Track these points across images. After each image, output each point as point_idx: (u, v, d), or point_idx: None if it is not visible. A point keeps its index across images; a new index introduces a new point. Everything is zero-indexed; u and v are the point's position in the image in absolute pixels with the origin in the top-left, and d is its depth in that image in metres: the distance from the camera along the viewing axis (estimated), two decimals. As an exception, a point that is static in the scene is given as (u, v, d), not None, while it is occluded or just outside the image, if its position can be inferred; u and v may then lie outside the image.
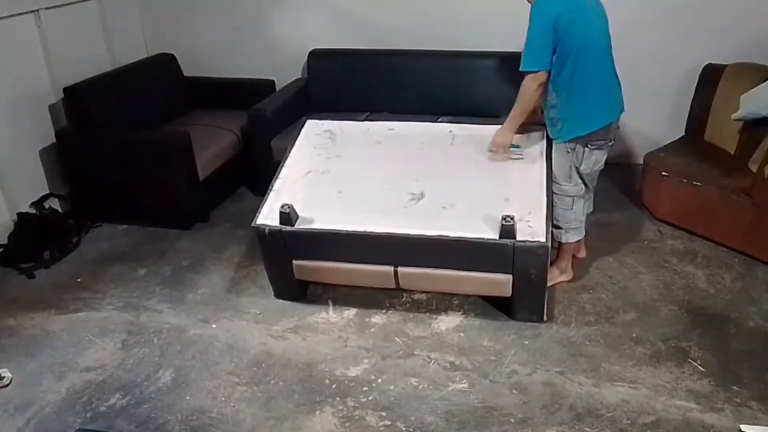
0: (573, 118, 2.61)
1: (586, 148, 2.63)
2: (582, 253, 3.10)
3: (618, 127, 2.77)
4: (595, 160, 2.67)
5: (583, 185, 2.74)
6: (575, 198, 2.75)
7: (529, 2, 2.57)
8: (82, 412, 2.27)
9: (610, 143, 2.70)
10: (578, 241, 2.91)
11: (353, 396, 2.30)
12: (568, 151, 2.65)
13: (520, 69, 2.57)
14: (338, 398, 2.29)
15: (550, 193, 2.65)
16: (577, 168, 2.68)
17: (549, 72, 2.55)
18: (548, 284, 2.64)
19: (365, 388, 2.34)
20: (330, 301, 2.85)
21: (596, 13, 2.59)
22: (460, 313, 2.75)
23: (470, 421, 2.17)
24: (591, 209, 3.02)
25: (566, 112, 2.62)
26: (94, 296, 2.97)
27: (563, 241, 2.84)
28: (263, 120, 3.71)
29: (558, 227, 2.80)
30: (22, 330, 2.74)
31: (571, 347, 2.52)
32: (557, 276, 2.91)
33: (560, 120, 2.65)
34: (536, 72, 2.53)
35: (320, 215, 2.63)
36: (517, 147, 2.85)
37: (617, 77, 2.68)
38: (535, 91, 2.59)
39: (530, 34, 2.52)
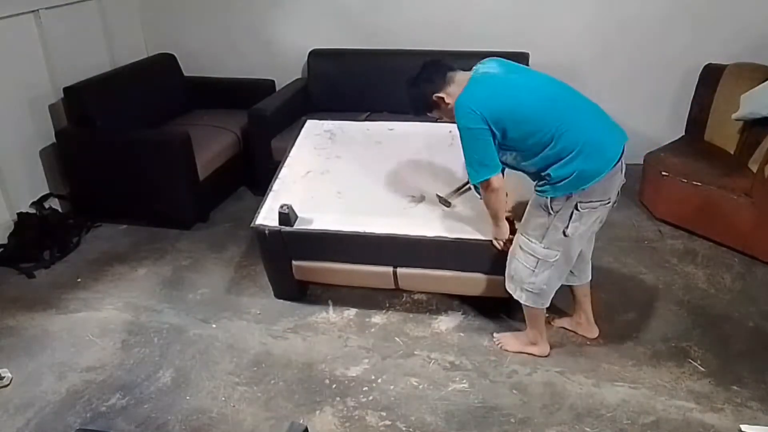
0: (555, 177, 2.03)
1: (574, 210, 2.04)
2: (565, 323, 2.56)
3: (624, 179, 2.15)
4: (585, 221, 2.08)
5: (559, 253, 2.13)
6: (541, 262, 2.15)
7: (442, 109, 2.20)
8: (82, 412, 2.27)
9: (609, 203, 2.10)
10: (542, 307, 2.29)
11: (353, 396, 2.30)
12: (550, 213, 2.08)
13: (474, 182, 2.17)
14: (338, 398, 2.29)
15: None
16: (562, 230, 2.08)
17: (503, 169, 2.13)
18: (514, 351, 2.44)
19: (365, 388, 2.34)
20: (330, 301, 2.85)
21: (538, 81, 2.18)
22: (460, 313, 2.75)
23: (470, 421, 2.17)
24: (589, 278, 2.47)
25: (545, 172, 2.06)
26: (94, 296, 2.97)
27: (515, 298, 2.27)
28: (263, 120, 3.71)
29: (512, 277, 2.26)
30: (22, 330, 2.74)
31: (571, 347, 2.52)
32: (526, 345, 2.43)
33: (538, 177, 2.12)
34: (490, 178, 2.09)
35: (320, 216, 2.63)
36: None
37: (601, 116, 2.15)
38: (497, 195, 2.15)
39: (464, 143, 2.09)
